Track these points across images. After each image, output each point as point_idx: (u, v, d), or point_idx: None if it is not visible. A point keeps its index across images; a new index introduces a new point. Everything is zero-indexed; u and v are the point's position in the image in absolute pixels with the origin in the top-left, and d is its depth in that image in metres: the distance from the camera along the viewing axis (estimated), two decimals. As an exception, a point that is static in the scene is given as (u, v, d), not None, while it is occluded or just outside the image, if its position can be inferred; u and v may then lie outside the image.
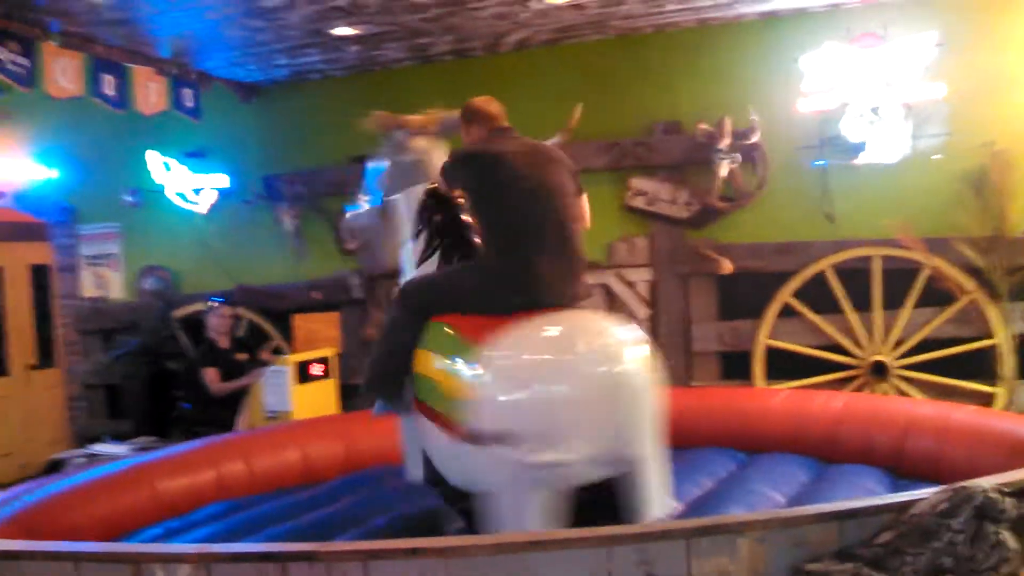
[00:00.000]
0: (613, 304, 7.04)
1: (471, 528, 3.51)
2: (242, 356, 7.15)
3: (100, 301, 8.56)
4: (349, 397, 7.27)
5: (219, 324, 7.18)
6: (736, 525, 2.83)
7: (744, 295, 6.79)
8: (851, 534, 2.77)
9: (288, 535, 4.05)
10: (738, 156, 6.57)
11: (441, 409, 3.46)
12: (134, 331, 8.06)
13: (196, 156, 7.95)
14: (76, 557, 3.05)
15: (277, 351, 7.47)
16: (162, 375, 7.79)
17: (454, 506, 3.81)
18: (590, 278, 6.99)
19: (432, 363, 3.57)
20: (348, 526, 4.15)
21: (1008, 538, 2.54)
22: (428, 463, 3.76)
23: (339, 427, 5.63)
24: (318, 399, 6.72)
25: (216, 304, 7.28)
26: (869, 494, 4.22)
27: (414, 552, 2.79)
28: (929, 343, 6.29)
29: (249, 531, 4.17)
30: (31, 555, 3.11)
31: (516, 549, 2.77)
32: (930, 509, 2.62)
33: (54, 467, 6.57)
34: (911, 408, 5.06)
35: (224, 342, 7.18)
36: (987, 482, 2.73)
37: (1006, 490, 2.65)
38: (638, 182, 7.01)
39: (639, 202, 7.00)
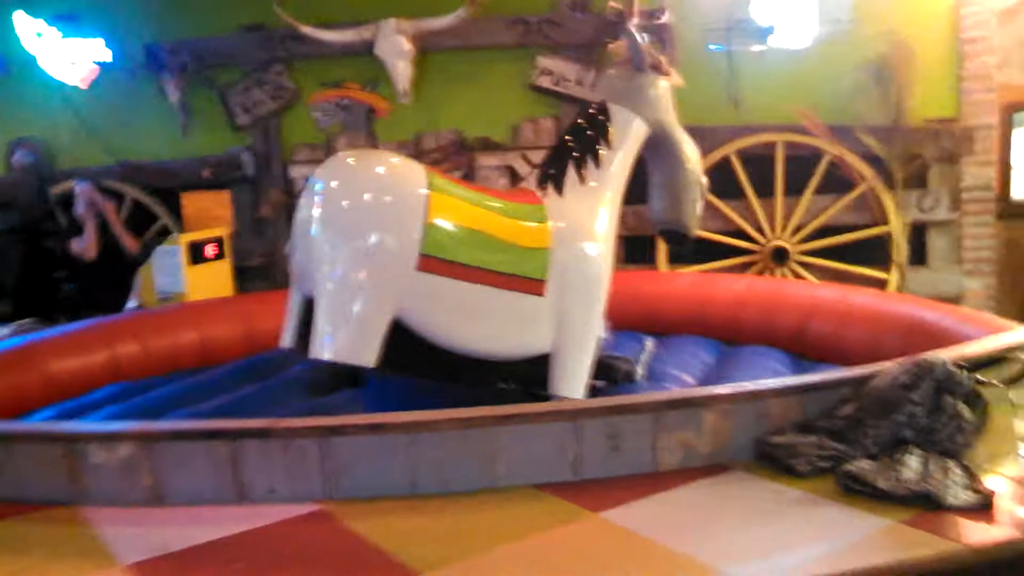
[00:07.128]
0: (516, 186, 6.91)
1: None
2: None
3: (-34, 175, 7.96)
4: (243, 279, 7.02)
5: (88, 205, 6.76)
6: (702, 399, 2.86)
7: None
8: (812, 408, 2.84)
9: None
10: (647, 36, 6.43)
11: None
12: (7, 208, 7.54)
13: (67, 19, 7.32)
14: (4, 438, 2.87)
15: (164, 232, 7.12)
16: (41, 254, 7.33)
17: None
18: (494, 159, 7.06)
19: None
20: (258, 409, 3.97)
21: (964, 410, 2.63)
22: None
23: (239, 308, 5.44)
24: (212, 281, 6.46)
25: (81, 184, 6.82)
26: (774, 374, 4.32)
27: (377, 427, 2.70)
28: (827, 229, 6.42)
29: (152, 415, 3.97)
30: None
31: (484, 424, 2.72)
32: (891, 382, 2.69)
33: (-75, 351, 6.15)
34: (813, 292, 5.18)
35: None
36: (946, 355, 2.81)
37: (963, 364, 2.75)
38: (545, 61, 6.83)
39: (545, 81, 6.84)
